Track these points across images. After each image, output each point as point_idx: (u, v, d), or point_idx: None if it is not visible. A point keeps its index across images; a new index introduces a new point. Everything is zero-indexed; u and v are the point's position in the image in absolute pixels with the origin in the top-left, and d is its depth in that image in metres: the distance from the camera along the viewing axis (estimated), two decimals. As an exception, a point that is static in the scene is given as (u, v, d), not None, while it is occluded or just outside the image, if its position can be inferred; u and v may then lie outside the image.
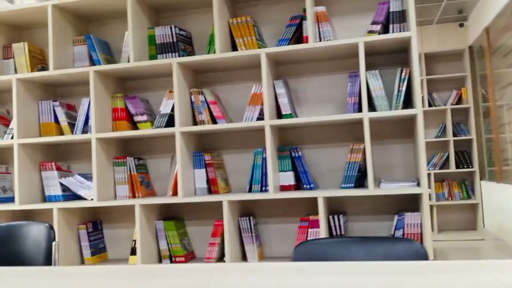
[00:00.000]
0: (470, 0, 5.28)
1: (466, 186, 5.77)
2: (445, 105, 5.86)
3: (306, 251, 1.06)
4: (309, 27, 2.28)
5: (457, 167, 5.70)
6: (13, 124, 2.63)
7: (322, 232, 2.20)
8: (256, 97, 2.40)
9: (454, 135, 5.77)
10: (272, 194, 2.24)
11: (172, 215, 2.69)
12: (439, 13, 5.62)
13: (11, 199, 2.86)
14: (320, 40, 2.34)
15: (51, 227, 1.78)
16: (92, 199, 2.54)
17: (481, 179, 5.62)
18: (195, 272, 1.06)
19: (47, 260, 1.76)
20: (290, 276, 0.93)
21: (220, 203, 2.60)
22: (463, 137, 5.67)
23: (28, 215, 2.86)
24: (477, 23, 5.50)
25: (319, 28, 2.35)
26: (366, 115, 2.17)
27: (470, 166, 5.68)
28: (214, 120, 2.49)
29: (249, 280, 0.94)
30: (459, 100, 5.83)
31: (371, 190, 2.15)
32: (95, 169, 2.44)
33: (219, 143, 2.65)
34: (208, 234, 2.62)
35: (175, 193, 2.51)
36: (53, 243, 1.75)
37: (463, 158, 5.73)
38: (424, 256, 1.07)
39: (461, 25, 5.99)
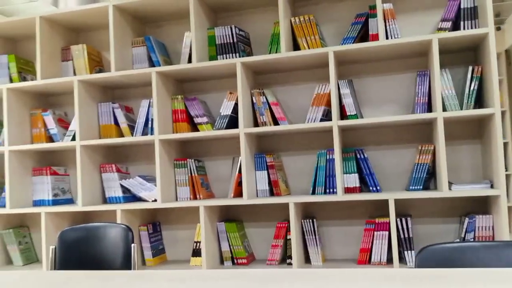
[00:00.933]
0: (507, 3, 5.12)
1: None
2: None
3: (430, 257, 1.00)
4: (379, 25, 2.21)
5: None
6: (74, 126, 2.64)
7: (392, 235, 2.13)
8: (320, 98, 2.35)
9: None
10: (340, 196, 2.18)
11: (231, 217, 2.65)
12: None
13: (70, 201, 2.87)
14: (387, 38, 2.27)
15: (129, 229, 1.76)
16: (154, 200, 2.52)
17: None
18: (301, 278, 1.01)
19: (126, 262, 1.74)
20: (422, 284, 0.88)
21: (281, 205, 2.55)
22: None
23: (89, 217, 2.86)
24: (519, 22, 5.35)
25: (386, 26, 2.28)
26: (440, 114, 2.09)
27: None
28: (275, 122, 2.44)
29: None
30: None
31: (444, 192, 2.06)
32: (159, 171, 2.42)
33: (278, 145, 2.60)
34: (267, 236, 2.57)
35: (236, 195, 2.48)
36: (132, 245, 1.73)
37: None
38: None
39: (498, 29, 5.86)
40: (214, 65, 2.39)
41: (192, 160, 2.56)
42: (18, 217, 2.94)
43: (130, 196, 2.67)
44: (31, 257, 2.88)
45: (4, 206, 2.76)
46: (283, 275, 1.11)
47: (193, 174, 2.55)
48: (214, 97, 2.71)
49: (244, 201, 2.29)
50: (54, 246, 1.78)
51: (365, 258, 2.27)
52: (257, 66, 2.46)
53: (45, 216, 2.55)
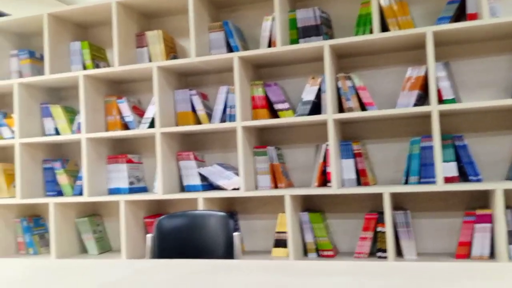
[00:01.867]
0: None
1: None
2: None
3: None
4: (483, 3, 2.03)
5: None
6: (150, 113, 2.57)
7: (499, 227, 1.95)
8: (413, 81, 2.19)
9: None
10: (441, 186, 2.02)
11: (311, 207, 2.53)
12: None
13: (144, 189, 2.82)
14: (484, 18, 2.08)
15: (230, 217, 1.66)
16: (235, 189, 2.43)
17: None
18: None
19: (227, 250, 1.65)
20: None
21: (367, 196, 2.41)
22: None
23: (164, 205, 2.80)
24: None
25: (484, 5, 2.09)
26: (557, 97, 1.90)
27: None
28: (362, 107, 2.30)
29: None
30: None
31: (560, 182, 1.88)
32: (242, 158, 2.32)
33: (363, 132, 2.45)
34: (350, 227, 2.44)
35: (320, 184, 2.36)
36: (234, 233, 1.63)
37: None
38: None
39: None
40: (299, 48, 2.26)
41: (273, 147, 2.45)
42: (92, 205, 2.92)
43: (207, 185, 2.59)
44: (105, 246, 2.86)
45: (79, 194, 2.73)
46: (425, 270, 0.98)
47: (273, 162, 2.44)
48: (292, 83, 2.58)
49: (332, 190, 2.16)
50: (152, 234, 1.71)
51: (465, 252, 2.11)
52: (342, 49, 2.32)
53: (124, 204, 2.50)
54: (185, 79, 2.77)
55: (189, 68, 2.56)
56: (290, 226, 2.22)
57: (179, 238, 1.67)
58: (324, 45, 2.21)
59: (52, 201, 2.62)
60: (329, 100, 2.20)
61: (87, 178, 2.57)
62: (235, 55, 2.35)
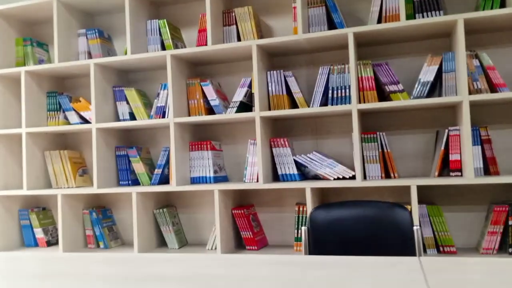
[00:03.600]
0: None
1: None
2: None
3: None
4: None
5: None
6: (238, 96, 2.32)
7: None
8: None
9: None
10: None
11: (424, 198, 2.29)
12: None
13: (225, 179, 2.56)
14: None
15: (404, 208, 1.42)
16: (339, 178, 2.19)
17: None
18: None
19: (403, 246, 1.40)
20: None
21: (492, 187, 2.17)
22: None
23: (249, 195, 2.54)
24: None
25: None
26: None
27: None
28: (491, 89, 2.06)
29: None
30: None
31: None
32: (357, 145, 2.08)
33: (486, 116, 2.21)
34: (467, 221, 2.20)
35: (439, 173, 2.12)
36: (414, 227, 1.39)
37: None
38: None
39: None
40: (430, 22, 1.99)
41: (383, 133, 2.20)
42: (164, 196, 2.66)
43: (300, 174, 2.34)
44: (182, 240, 2.61)
45: (157, 183, 2.48)
46: None
47: (384, 150, 2.20)
48: (398, 62, 2.33)
49: (465, 180, 1.92)
50: (306, 227, 1.46)
51: None
52: (471, 25, 2.07)
53: (218, 194, 2.25)
54: (271, 59, 2.51)
55: (275, 48, 2.30)
56: (416, 219, 1.98)
57: (339, 231, 1.42)
58: (458, 19, 1.95)
59: (134, 190, 2.36)
60: (462, 80, 1.95)
61: (176, 166, 2.31)
62: (349, 31, 2.09)
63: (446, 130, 2.08)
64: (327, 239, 1.43)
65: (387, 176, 2.18)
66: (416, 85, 2.10)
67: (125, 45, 2.80)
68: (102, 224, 2.65)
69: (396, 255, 1.36)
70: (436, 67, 2.10)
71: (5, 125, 2.70)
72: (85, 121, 2.66)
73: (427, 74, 2.10)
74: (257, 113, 2.20)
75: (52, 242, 2.79)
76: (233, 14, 2.43)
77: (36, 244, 2.77)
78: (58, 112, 2.70)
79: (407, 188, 2.25)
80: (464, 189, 2.21)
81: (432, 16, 2.10)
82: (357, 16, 2.40)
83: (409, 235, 1.37)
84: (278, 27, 2.52)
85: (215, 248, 2.43)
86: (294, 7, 2.27)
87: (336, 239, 1.41)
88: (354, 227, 1.40)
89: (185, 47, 2.63)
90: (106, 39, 2.73)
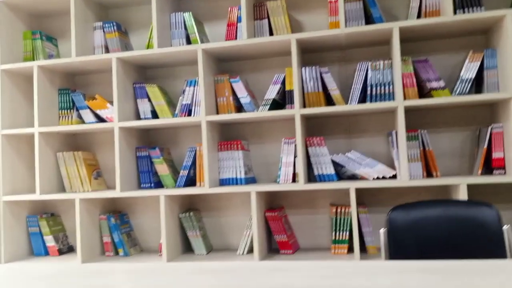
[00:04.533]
0: None
1: None
2: None
3: None
4: None
5: None
6: (271, 93, 2.22)
7: None
8: None
9: None
10: None
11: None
12: None
13: (252, 180, 2.45)
14: None
15: (493, 208, 1.36)
16: (379, 178, 2.12)
17: None
18: None
19: (492, 247, 1.34)
20: None
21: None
22: None
23: (279, 197, 2.44)
24: None
25: None
26: None
27: None
28: (533, 86, 2.04)
29: None
30: None
31: None
32: (403, 143, 2.01)
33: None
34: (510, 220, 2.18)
35: (482, 172, 2.08)
36: (504, 227, 1.33)
37: None
38: None
39: None
40: (473, 18, 1.96)
41: (425, 131, 2.15)
42: (188, 199, 2.53)
43: (335, 174, 2.26)
44: (208, 245, 2.47)
45: (182, 186, 2.34)
46: None
47: (426, 148, 2.15)
48: (434, 59, 2.29)
49: (510, 178, 1.89)
50: (385, 229, 1.38)
51: None
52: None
53: (255, 196, 2.14)
54: (302, 56, 2.43)
55: (310, 43, 2.22)
56: (467, 218, 1.93)
57: (421, 233, 1.35)
58: (507, 14, 1.93)
59: (162, 193, 2.22)
60: (509, 77, 1.93)
61: (208, 168, 2.19)
62: (395, 25, 2.02)
63: (489, 128, 2.05)
64: (408, 242, 1.35)
65: (429, 175, 2.13)
66: (458, 82, 2.06)
67: (144, 40, 2.64)
68: (121, 230, 2.49)
69: (484, 258, 1.29)
70: (478, 64, 2.06)
71: (13, 124, 2.49)
72: (100, 120, 2.49)
73: (469, 71, 2.07)
74: (297, 111, 2.11)
75: (63, 250, 2.60)
76: (265, 7, 2.32)
77: (46, 253, 2.57)
78: (71, 110, 2.52)
79: (446, 188, 2.21)
80: (501, 188, 2.18)
81: (473, 12, 2.06)
82: (390, 12, 2.34)
83: (498, 236, 1.30)
84: (309, 22, 2.44)
85: (246, 253, 2.31)
86: (330, 2, 2.20)
87: (418, 242, 1.33)
88: (436, 228, 1.33)
89: (208, 41, 2.51)
90: (123, 33, 2.57)
